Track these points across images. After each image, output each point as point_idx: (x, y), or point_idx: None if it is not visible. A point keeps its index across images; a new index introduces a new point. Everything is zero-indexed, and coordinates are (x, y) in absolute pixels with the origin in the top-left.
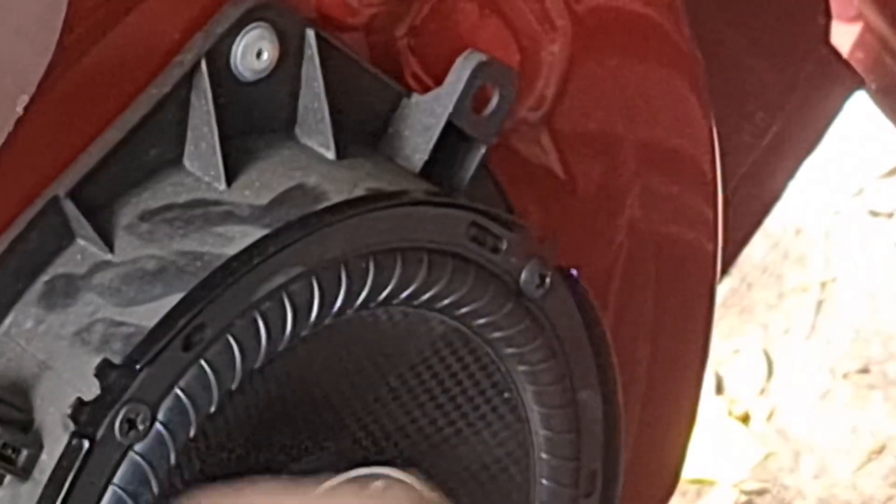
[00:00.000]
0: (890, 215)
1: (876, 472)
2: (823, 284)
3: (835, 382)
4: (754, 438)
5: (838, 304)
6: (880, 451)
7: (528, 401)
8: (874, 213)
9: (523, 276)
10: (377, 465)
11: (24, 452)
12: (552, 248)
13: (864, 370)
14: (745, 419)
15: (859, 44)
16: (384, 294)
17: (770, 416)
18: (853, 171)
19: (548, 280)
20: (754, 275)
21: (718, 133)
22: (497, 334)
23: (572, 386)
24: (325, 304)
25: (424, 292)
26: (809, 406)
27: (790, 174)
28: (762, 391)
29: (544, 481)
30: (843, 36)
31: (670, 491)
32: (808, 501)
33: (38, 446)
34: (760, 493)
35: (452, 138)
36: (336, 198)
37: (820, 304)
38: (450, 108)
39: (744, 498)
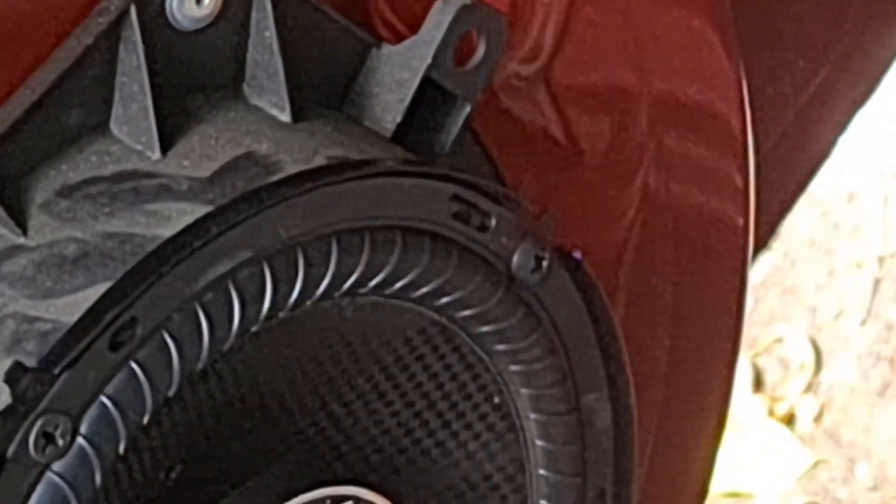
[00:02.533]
0: None
1: None
2: (881, 260)
3: (895, 376)
4: (800, 443)
5: None
6: None
7: (523, 407)
8: None
9: (516, 258)
10: (344, 485)
11: None
12: (551, 226)
13: None
14: (788, 420)
15: None
16: (350, 282)
17: (818, 417)
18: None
19: (545, 263)
20: (800, 249)
21: (750, 84)
22: (485, 328)
23: (575, 389)
24: (279, 294)
25: (398, 279)
26: (865, 404)
27: (839, 130)
28: (809, 387)
29: (543, 502)
30: None
31: None
32: None
33: None
34: None
35: (431, 96)
36: (292, 168)
37: (877, 283)
38: (428, 60)
39: None
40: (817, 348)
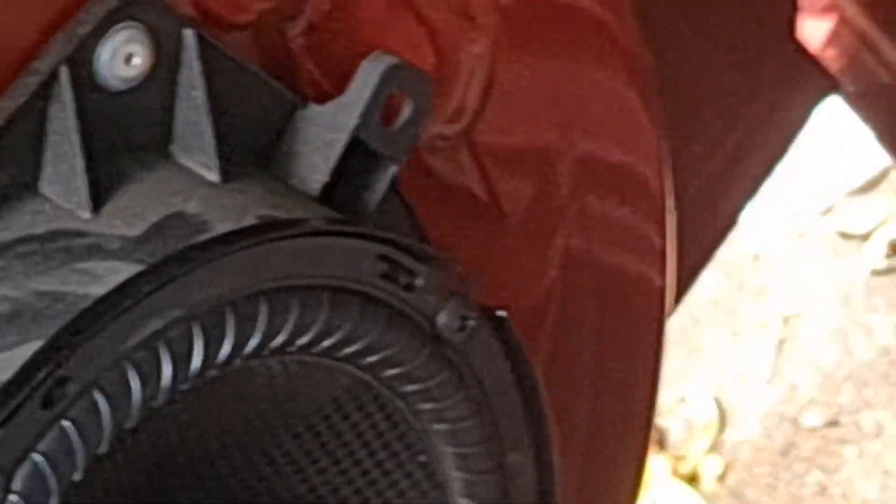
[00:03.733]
0: (864, 237)
1: None
2: (786, 320)
3: (799, 436)
4: (704, 502)
5: (803, 344)
6: None
7: (448, 465)
8: (845, 236)
9: (442, 318)
10: None
11: None
12: (475, 285)
13: (834, 422)
14: (692, 479)
15: (832, 39)
16: (278, 341)
17: (722, 476)
18: (820, 188)
19: (470, 322)
20: (704, 309)
21: (669, 145)
22: (411, 387)
23: (500, 447)
24: (210, 353)
25: (326, 339)
26: (769, 463)
27: (749, 192)
28: (713, 446)
29: None
30: (813, 30)
31: None
32: None
33: None
34: None
35: (358, 156)
36: (221, 227)
37: (781, 343)
38: (354, 121)
39: None
40: (721, 408)
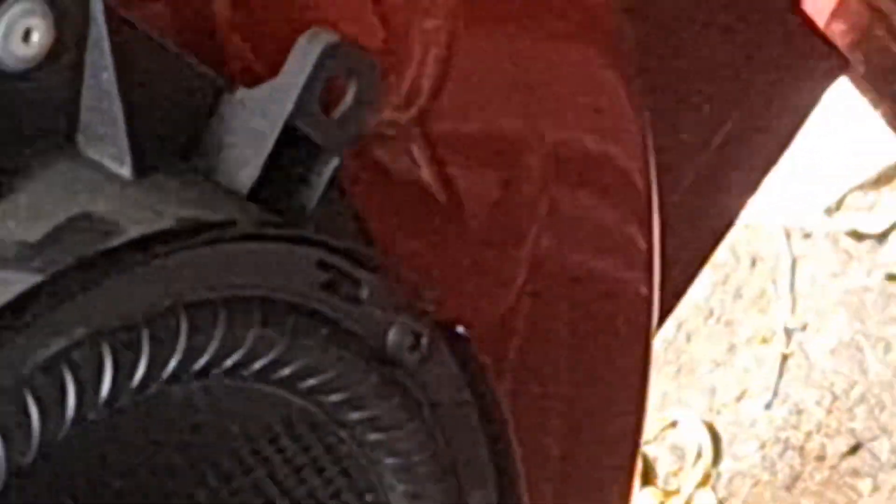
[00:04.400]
0: (879, 237)
1: None
2: (789, 333)
3: (806, 467)
4: None
5: (810, 360)
6: None
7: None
8: (856, 236)
9: (391, 335)
10: None
11: None
12: (431, 297)
13: (847, 451)
14: None
15: (841, 11)
16: (201, 363)
17: None
18: (828, 182)
19: (424, 341)
20: (696, 321)
21: (654, 132)
22: (356, 415)
23: (459, 485)
24: (120, 378)
25: (256, 359)
26: (772, 499)
27: (749, 188)
28: (707, 479)
29: None
30: (821, 3)
31: None
32: None
33: None
34: None
35: (294, 148)
36: (134, 231)
37: (785, 359)
38: (289, 107)
39: None
40: (716, 434)
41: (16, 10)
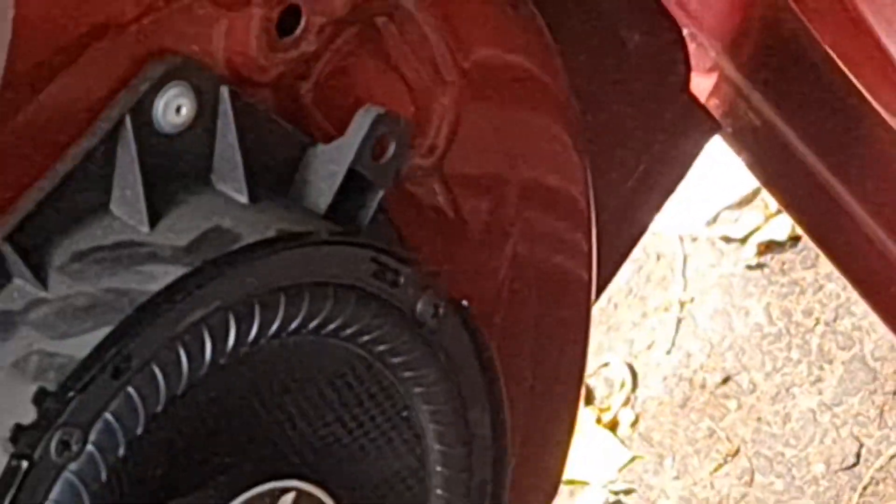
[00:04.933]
0: (742, 241)
1: (731, 472)
2: (682, 304)
3: (693, 392)
4: (621, 444)
5: (696, 322)
6: (735, 453)
7: (424, 419)
8: (727, 239)
9: (419, 306)
10: (287, 479)
11: None
12: (445, 282)
13: (720, 381)
14: (612, 426)
15: (715, 92)
16: (294, 325)
17: (635, 424)
18: (708, 202)
19: (441, 310)
20: (620, 296)
21: (592, 173)
22: (396, 360)
23: (463, 405)
24: (241, 335)
25: (330, 323)
26: (671, 414)
27: (656, 209)
28: (627, 401)
29: (439, 491)
30: (701, 85)
31: (552, 495)
32: (671, 500)
33: None
34: (627, 492)
35: (354, 183)
36: (249, 238)
37: (679, 321)
38: (351, 157)
39: (612, 497)
40: (633, 371)
41: (171, 92)
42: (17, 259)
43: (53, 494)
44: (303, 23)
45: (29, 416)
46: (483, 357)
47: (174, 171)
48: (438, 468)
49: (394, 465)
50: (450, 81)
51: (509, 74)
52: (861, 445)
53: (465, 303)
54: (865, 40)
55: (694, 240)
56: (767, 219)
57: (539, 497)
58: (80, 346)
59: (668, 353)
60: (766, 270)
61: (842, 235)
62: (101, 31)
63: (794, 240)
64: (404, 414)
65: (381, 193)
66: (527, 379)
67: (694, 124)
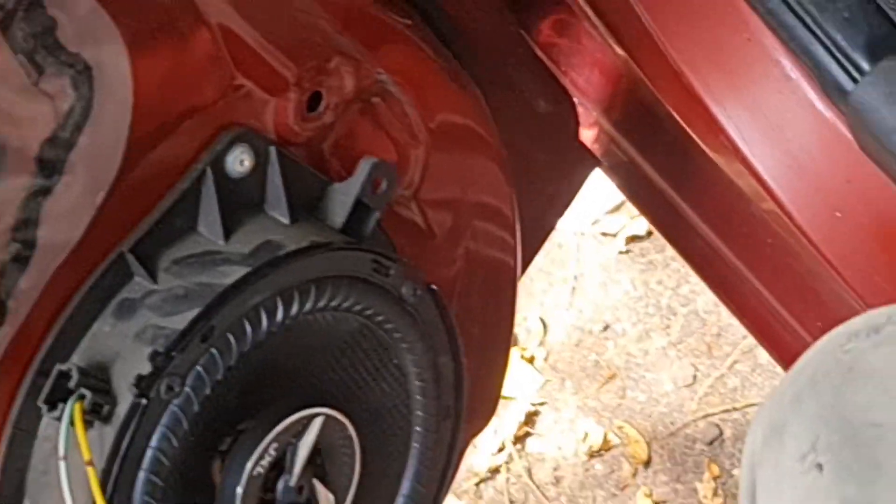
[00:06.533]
0: (615, 235)
1: (610, 389)
2: (576, 277)
3: (584, 336)
4: (537, 372)
5: (586, 290)
6: (612, 377)
7: (408, 366)
8: (605, 234)
9: (404, 290)
10: (318, 406)
11: (106, 407)
12: (420, 272)
13: (602, 328)
14: (531, 360)
15: (596, 139)
16: (321, 304)
17: (546, 358)
18: (592, 209)
19: (418, 292)
20: (534, 273)
21: (515, 194)
22: (388, 325)
23: (434, 354)
24: (286, 312)
25: (344, 303)
26: (569, 351)
27: (559, 216)
28: (541, 343)
29: (419, 412)
30: (587, 135)
31: (494, 411)
32: (570, 408)
33: (114, 403)
34: (542, 404)
35: (359, 208)
36: (290, 247)
37: (574, 289)
38: (357, 191)
39: (532, 408)
40: (545, 323)
41: (237, 151)
42: (137, 264)
43: (164, 420)
44: (323, 103)
45: (146, 369)
46: (446, 321)
47: (240, 202)
48: (418, 397)
49: (389, 397)
50: (421, 137)
51: (459, 130)
52: (696, 370)
53: (434, 286)
54: (695, 103)
55: (583, 234)
56: (632, 219)
57: (485, 412)
58: (180, 321)
59: (567, 310)
60: (631, 254)
61: (682, 232)
62: (192, 111)
63: (650, 234)
64: (395, 362)
65: (377, 214)
66: (475, 334)
67: (582, 161)
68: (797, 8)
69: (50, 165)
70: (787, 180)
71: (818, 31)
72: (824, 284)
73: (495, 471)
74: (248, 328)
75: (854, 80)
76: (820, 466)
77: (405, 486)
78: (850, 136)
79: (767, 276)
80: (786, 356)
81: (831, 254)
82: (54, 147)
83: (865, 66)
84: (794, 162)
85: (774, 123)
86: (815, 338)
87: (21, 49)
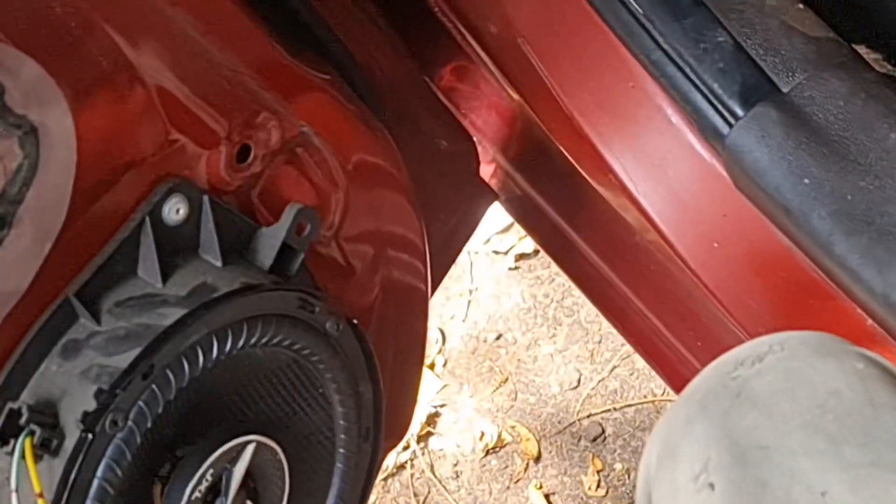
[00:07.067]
0: (506, 253)
1: (504, 392)
2: (471, 291)
3: (479, 344)
4: (436, 377)
5: (480, 302)
6: (505, 381)
7: (331, 392)
8: (496, 252)
9: (328, 325)
10: (250, 435)
11: (55, 442)
12: (341, 307)
13: (496, 337)
14: (432, 367)
15: (494, 175)
16: (253, 340)
17: (445, 364)
18: (484, 230)
19: (340, 326)
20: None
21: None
22: (314, 358)
23: (355, 381)
24: (221, 349)
25: (274, 338)
26: (466, 358)
27: (463, 243)
28: (440, 350)
29: (342, 436)
30: (486, 171)
31: (407, 427)
32: (468, 409)
33: (62, 438)
34: (442, 406)
35: (285, 250)
36: (224, 289)
37: (469, 302)
38: (283, 234)
39: (433, 410)
40: (443, 333)
41: (173, 200)
42: (81, 307)
43: (108, 453)
44: (252, 155)
45: (92, 405)
46: (366, 351)
47: (176, 248)
48: (341, 422)
49: (315, 423)
50: (339, 183)
51: (372, 170)
52: (580, 374)
53: (354, 321)
54: (585, 143)
55: (476, 253)
56: (520, 239)
57: (401, 427)
58: (123, 360)
59: (464, 321)
60: (520, 270)
61: (573, 259)
62: (131, 164)
63: (536, 252)
64: (320, 390)
65: (302, 255)
66: (390, 357)
67: (482, 195)
68: (677, 59)
69: None
70: (669, 214)
71: (696, 80)
72: (703, 307)
73: (401, 467)
74: (186, 365)
75: (729, 125)
76: (712, 486)
77: (330, 501)
78: (725, 174)
79: (650, 299)
80: (665, 368)
81: (709, 280)
82: (3, 202)
83: (739, 111)
84: (675, 197)
85: (657, 162)
86: (694, 355)
87: None
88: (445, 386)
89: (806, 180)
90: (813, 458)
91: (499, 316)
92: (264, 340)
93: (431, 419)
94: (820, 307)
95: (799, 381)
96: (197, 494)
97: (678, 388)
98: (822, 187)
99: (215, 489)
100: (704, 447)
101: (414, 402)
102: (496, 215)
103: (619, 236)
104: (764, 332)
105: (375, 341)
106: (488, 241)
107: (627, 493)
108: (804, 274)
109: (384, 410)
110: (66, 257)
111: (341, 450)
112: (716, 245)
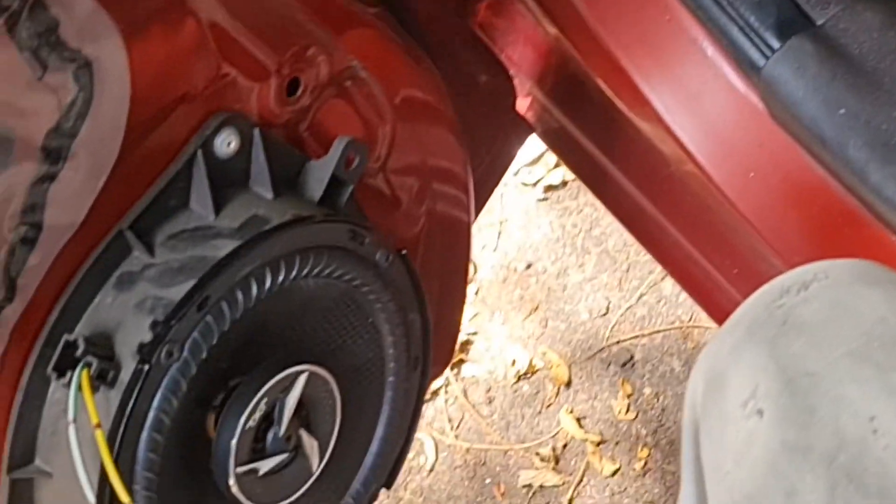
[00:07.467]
0: (534, 185)
1: (534, 319)
2: (501, 222)
3: (510, 273)
4: (469, 306)
5: (510, 233)
6: (536, 309)
7: (382, 324)
8: (525, 184)
9: (377, 256)
10: (304, 364)
11: (111, 373)
12: (391, 239)
13: (525, 267)
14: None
15: (531, 108)
16: (305, 272)
17: (477, 293)
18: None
19: (390, 257)
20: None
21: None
22: (364, 289)
23: (404, 312)
24: (274, 280)
25: (325, 269)
26: (497, 287)
27: (501, 176)
28: (472, 280)
29: (392, 364)
30: (522, 104)
31: (451, 356)
32: (500, 337)
33: (118, 369)
34: (474, 334)
35: (334, 182)
36: (276, 221)
37: (500, 232)
38: (332, 167)
39: (465, 338)
40: (474, 263)
41: (224, 133)
42: (136, 240)
43: (164, 384)
44: (301, 88)
45: (147, 337)
46: (415, 282)
47: (228, 181)
48: (391, 351)
49: (365, 352)
50: (387, 116)
51: (419, 104)
52: (609, 301)
53: (403, 252)
54: (622, 76)
55: (506, 185)
56: (549, 171)
57: (445, 355)
58: (177, 292)
59: (494, 251)
60: (549, 202)
61: (610, 191)
62: (183, 99)
63: (565, 183)
64: (370, 321)
65: (351, 188)
66: (435, 287)
67: (519, 128)
68: None
69: (55, 153)
70: (706, 145)
71: (733, 13)
72: (739, 236)
73: (435, 393)
74: (240, 296)
75: (765, 57)
76: (760, 412)
77: (380, 429)
78: (761, 105)
79: (688, 229)
80: (701, 295)
81: (745, 209)
82: (58, 136)
83: (775, 44)
84: (711, 128)
85: (694, 94)
86: (731, 282)
87: (26, 46)
88: (477, 314)
89: (841, 111)
90: (860, 384)
91: (528, 246)
92: (316, 272)
93: (464, 347)
94: (855, 235)
95: (845, 309)
96: (251, 423)
97: (714, 315)
98: (857, 118)
99: (268, 418)
100: (752, 375)
101: (457, 330)
102: (525, 148)
103: (656, 168)
104: (799, 260)
105: (421, 272)
106: (517, 173)
107: (656, 417)
108: (840, 202)
109: (431, 339)
110: (119, 191)
111: (391, 378)
112: (752, 175)
